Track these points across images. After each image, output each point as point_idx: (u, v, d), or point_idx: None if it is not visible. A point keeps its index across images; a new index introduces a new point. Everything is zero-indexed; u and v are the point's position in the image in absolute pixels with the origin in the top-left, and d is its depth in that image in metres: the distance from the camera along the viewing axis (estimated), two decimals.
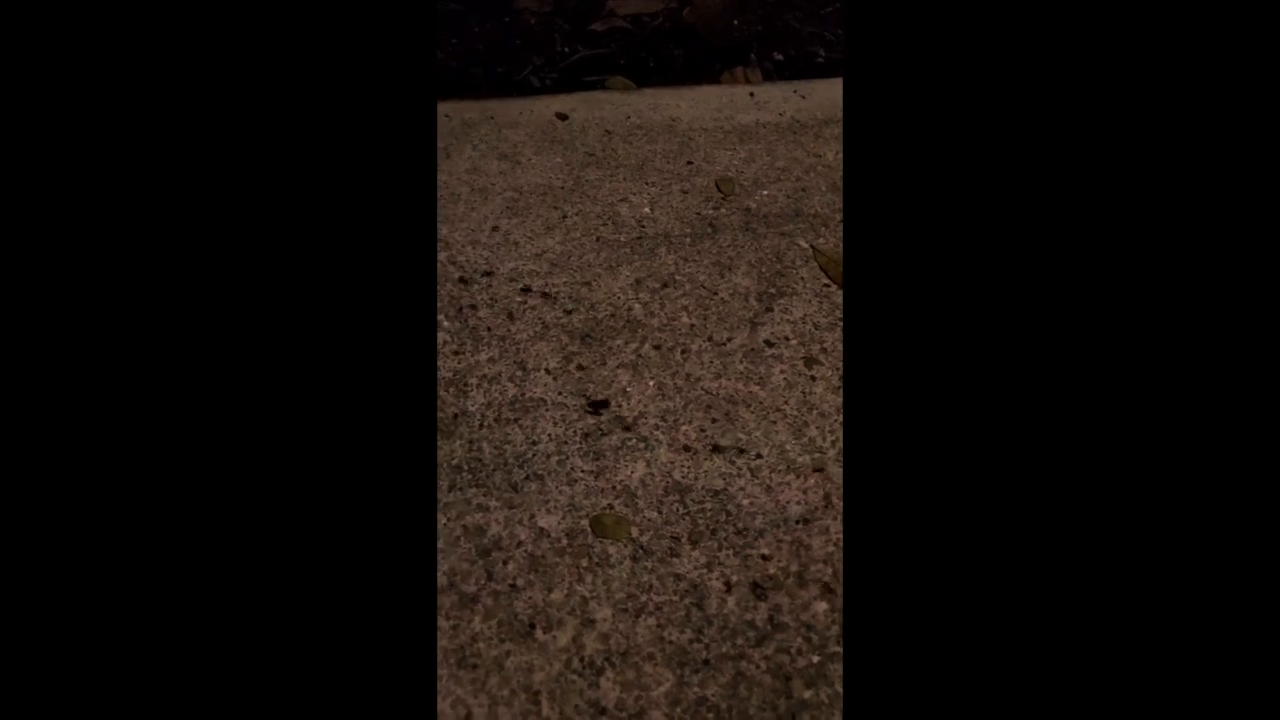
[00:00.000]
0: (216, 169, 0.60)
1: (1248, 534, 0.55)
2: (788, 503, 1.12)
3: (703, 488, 1.14)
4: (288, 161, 0.61)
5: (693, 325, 1.44)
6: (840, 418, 1.26)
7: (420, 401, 0.63)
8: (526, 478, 1.16)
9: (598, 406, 1.28)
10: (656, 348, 1.39)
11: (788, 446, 1.21)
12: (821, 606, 0.99)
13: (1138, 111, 0.59)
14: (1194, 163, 0.58)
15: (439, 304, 1.48)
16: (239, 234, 0.61)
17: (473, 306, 1.47)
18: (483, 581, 1.02)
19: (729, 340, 1.41)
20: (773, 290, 1.52)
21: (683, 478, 1.16)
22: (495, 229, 1.68)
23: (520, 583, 1.02)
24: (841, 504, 1.12)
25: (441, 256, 1.59)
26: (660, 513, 1.11)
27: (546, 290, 1.52)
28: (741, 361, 1.36)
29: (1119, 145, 0.59)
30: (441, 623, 0.97)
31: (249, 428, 0.59)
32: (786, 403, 1.28)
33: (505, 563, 1.04)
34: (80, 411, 0.58)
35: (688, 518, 1.10)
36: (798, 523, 1.09)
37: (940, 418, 0.59)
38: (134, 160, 0.60)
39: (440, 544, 1.06)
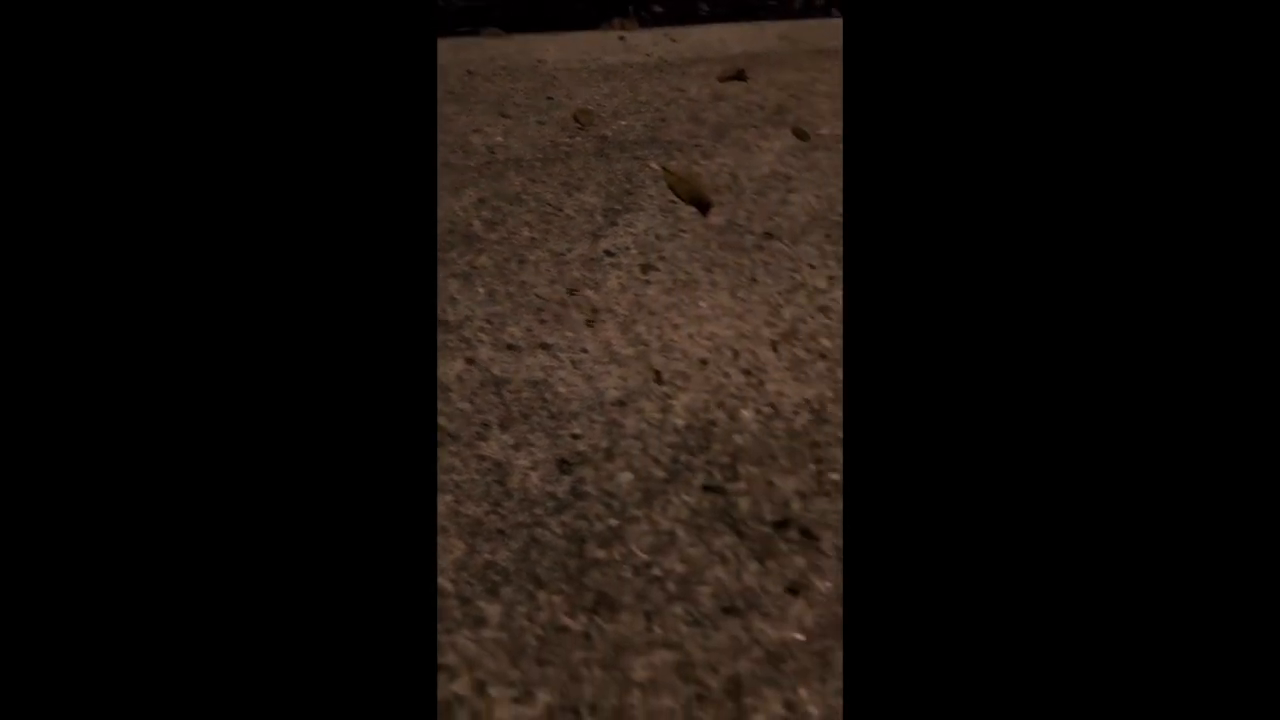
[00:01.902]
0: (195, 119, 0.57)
1: (1247, 531, 0.53)
2: (606, 389, 1.11)
3: (522, 379, 1.12)
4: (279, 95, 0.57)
5: (533, 239, 1.42)
6: (670, 316, 1.25)
7: (420, 361, 0.58)
8: None
9: None
10: (492, 259, 1.37)
11: (614, 341, 1.19)
12: (626, 477, 0.97)
13: (1129, 108, 0.56)
14: (1200, 123, 0.55)
15: None
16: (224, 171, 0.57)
17: None
18: None
19: (569, 251, 1.39)
20: (618, 207, 1.51)
21: (502, 372, 1.14)
22: None
23: None
24: (660, 387, 1.11)
25: None
26: (473, 404, 1.08)
27: None
28: (578, 269, 1.35)
29: (1110, 142, 0.56)
30: None
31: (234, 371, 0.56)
32: (618, 304, 1.27)
33: None
34: (81, 382, 0.54)
35: (502, 406, 1.08)
36: (614, 404, 1.08)
37: (935, 376, 0.56)
38: (121, 97, 0.56)
39: None
